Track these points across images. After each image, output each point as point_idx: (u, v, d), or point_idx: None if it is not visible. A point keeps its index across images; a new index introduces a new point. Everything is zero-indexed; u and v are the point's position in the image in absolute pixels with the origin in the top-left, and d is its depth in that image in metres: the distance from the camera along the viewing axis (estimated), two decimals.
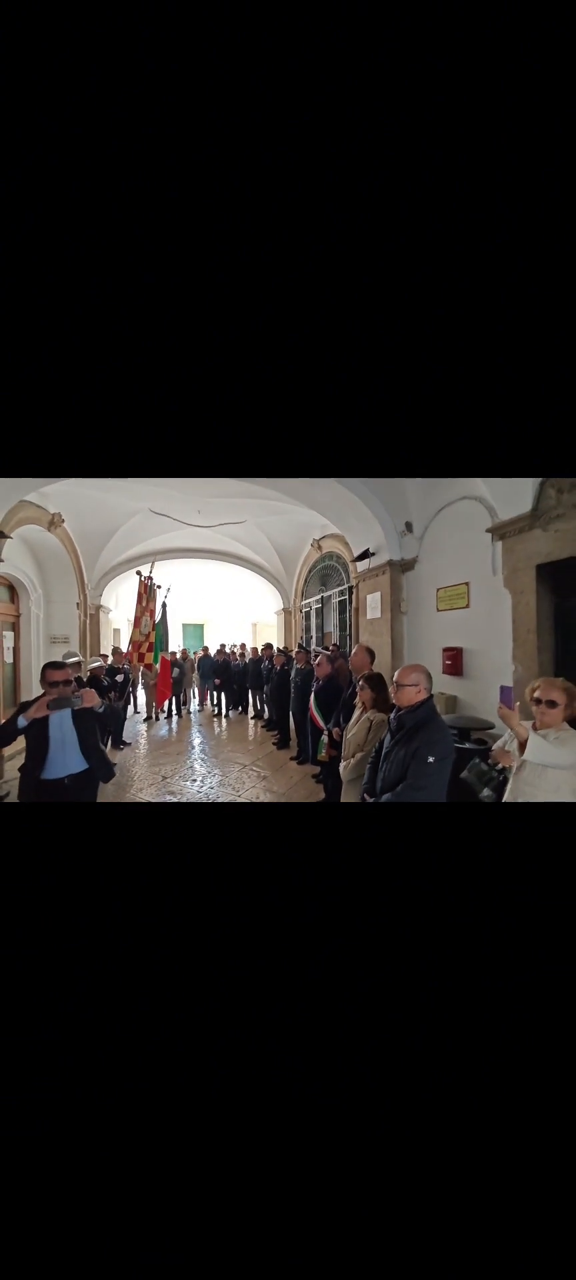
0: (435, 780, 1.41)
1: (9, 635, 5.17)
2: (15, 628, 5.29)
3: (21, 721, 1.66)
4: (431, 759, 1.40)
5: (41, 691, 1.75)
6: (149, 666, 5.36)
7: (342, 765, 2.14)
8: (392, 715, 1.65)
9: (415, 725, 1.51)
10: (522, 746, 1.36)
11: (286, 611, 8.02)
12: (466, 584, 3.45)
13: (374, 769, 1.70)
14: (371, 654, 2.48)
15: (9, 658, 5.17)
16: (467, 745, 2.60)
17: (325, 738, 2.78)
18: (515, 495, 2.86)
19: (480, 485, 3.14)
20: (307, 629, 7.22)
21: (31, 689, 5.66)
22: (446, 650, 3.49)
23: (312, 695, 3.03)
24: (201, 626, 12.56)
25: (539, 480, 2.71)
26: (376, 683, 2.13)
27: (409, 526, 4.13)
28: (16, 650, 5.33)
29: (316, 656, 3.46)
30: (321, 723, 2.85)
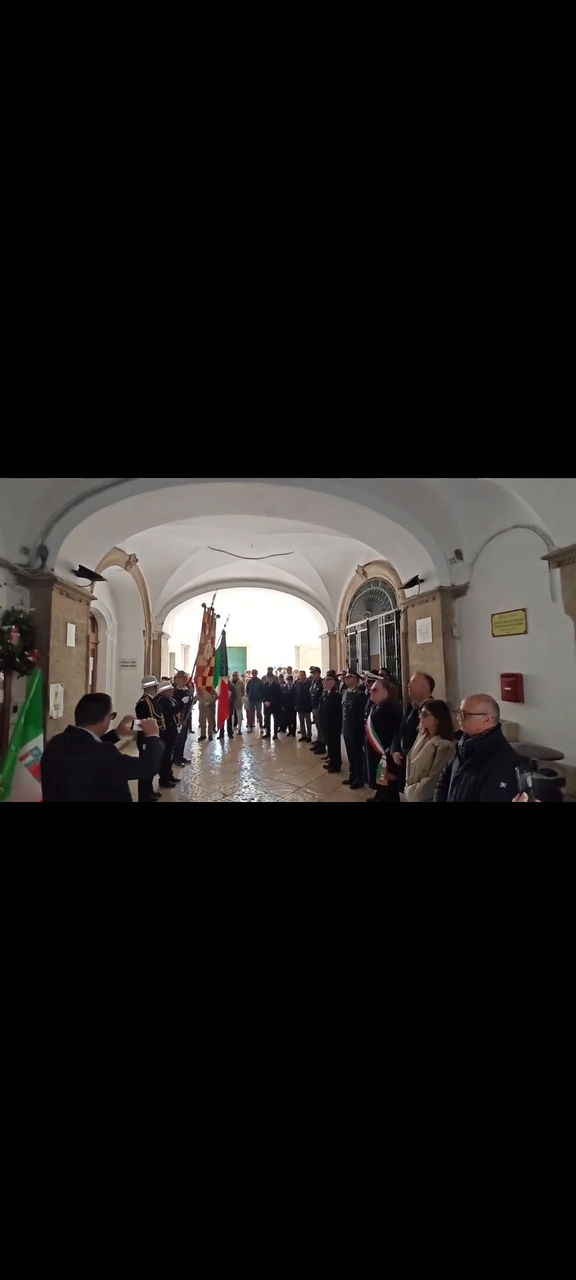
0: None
1: (90, 661, 5.90)
2: (95, 654, 6.03)
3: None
4: (503, 784, 1.51)
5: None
6: (210, 689, 5.81)
7: (407, 789, 2.26)
8: (461, 742, 1.77)
9: (484, 752, 1.63)
10: None
11: (331, 635, 8.20)
12: (523, 610, 3.44)
13: (442, 793, 1.82)
14: (431, 681, 2.60)
15: (90, 680, 5.88)
16: (535, 776, 2.58)
17: (384, 762, 2.90)
18: (571, 523, 2.88)
19: (533, 514, 3.18)
20: (353, 652, 7.33)
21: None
22: (505, 676, 3.47)
23: (369, 719, 3.18)
24: (244, 649, 13.11)
25: None
26: (439, 709, 2.25)
27: (459, 554, 4.20)
28: (94, 673, 6.05)
29: (372, 682, 3.60)
30: (380, 747, 2.98)
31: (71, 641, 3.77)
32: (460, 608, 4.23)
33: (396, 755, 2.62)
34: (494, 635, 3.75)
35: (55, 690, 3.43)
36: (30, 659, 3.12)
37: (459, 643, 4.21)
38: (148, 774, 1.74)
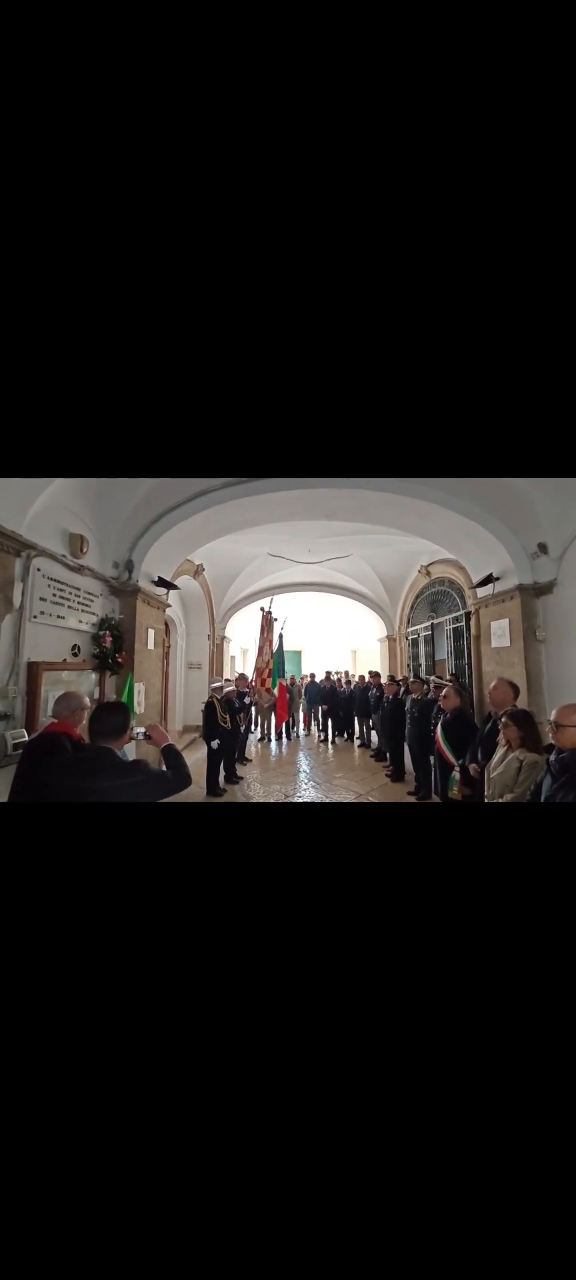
0: None
1: (163, 663, 6.50)
2: (167, 657, 6.63)
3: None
4: None
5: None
6: (269, 690, 6.01)
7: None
8: (553, 757, 1.59)
9: None
10: None
11: (390, 639, 7.91)
12: None
13: None
14: (515, 688, 2.37)
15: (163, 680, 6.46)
16: None
17: (457, 774, 2.71)
18: None
19: None
20: (415, 656, 6.97)
21: (176, 705, 6.92)
22: None
23: (440, 728, 3.00)
24: (299, 653, 13.23)
25: None
26: (523, 720, 2.05)
27: (543, 548, 3.76)
28: (166, 674, 6.64)
29: (441, 688, 3.40)
30: (452, 758, 2.79)
31: (151, 645, 4.19)
32: (544, 607, 3.79)
33: (473, 768, 2.44)
34: None
35: (138, 688, 3.84)
36: (119, 660, 3.55)
37: (543, 646, 3.77)
38: (181, 788, 1.36)
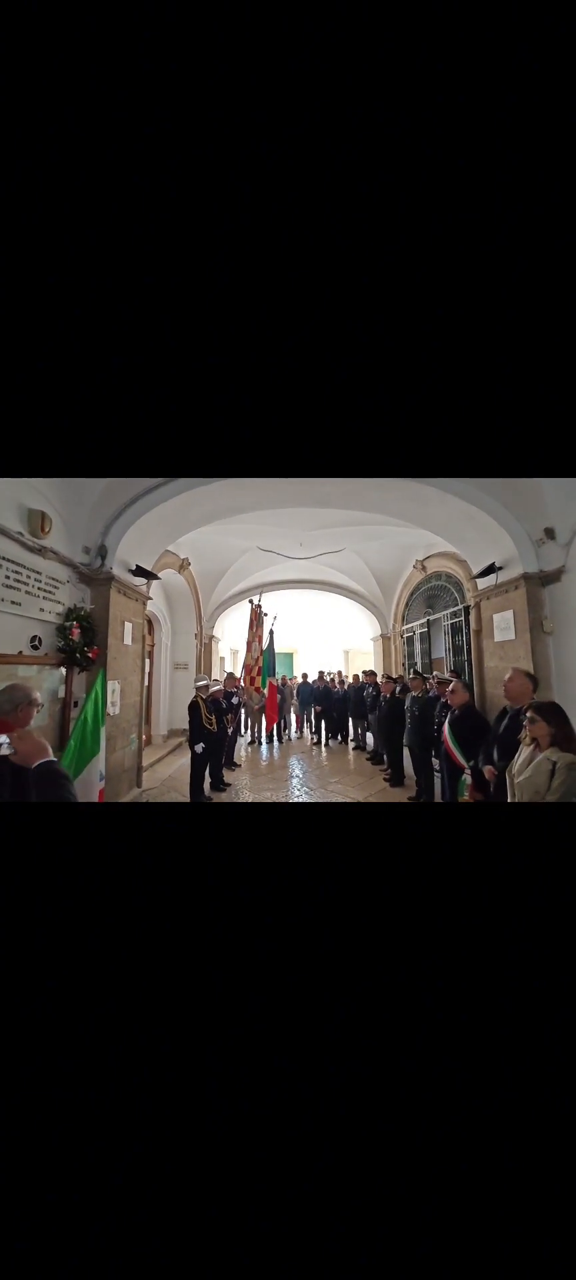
0: None
1: (147, 662, 6.09)
2: (151, 656, 6.22)
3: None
4: None
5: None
6: (258, 690, 5.66)
7: None
8: None
9: None
10: None
11: (384, 638, 7.66)
12: None
13: None
14: (534, 680, 2.10)
15: (146, 681, 6.06)
16: None
17: (467, 777, 2.43)
18: None
19: None
20: (411, 655, 6.73)
21: (160, 708, 6.51)
22: None
23: (447, 726, 2.72)
24: (291, 655, 12.92)
25: None
26: (553, 713, 1.77)
27: (549, 533, 3.54)
28: (151, 674, 6.24)
29: (445, 683, 3.13)
30: (462, 760, 2.51)
31: (128, 640, 3.82)
32: (551, 597, 3.56)
33: (488, 770, 2.15)
34: None
35: (112, 687, 3.46)
36: (90, 655, 3.17)
37: (551, 638, 3.54)
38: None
